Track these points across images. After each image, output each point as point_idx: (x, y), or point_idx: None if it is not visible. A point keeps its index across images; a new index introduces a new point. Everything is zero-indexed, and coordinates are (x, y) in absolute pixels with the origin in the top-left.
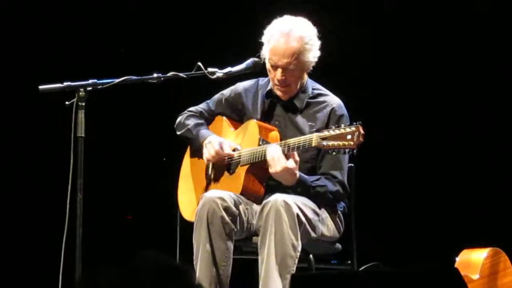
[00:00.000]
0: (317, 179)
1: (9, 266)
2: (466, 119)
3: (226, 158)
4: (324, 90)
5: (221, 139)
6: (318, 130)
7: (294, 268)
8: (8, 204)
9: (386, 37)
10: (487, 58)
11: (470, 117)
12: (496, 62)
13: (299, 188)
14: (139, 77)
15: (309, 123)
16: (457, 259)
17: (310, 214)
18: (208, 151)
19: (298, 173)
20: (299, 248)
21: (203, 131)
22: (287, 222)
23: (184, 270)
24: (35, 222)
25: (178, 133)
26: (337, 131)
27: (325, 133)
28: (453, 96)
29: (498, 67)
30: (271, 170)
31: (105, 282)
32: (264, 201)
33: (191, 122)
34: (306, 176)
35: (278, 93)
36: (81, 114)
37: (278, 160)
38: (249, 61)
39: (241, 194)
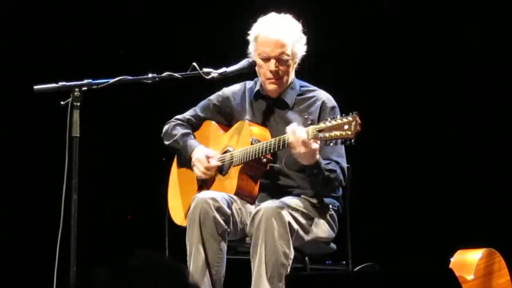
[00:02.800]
0: (329, 163)
1: (4, 266)
2: (461, 119)
3: (215, 168)
4: (311, 86)
5: (208, 152)
6: (313, 123)
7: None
8: (3, 204)
9: (385, 36)
10: (485, 58)
11: (465, 117)
12: (494, 62)
13: (315, 169)
14: (134, 77)
15: (302, 119)
16: (452, 259)
17: (303, 219)
18: (198, 169)
19: (318, 155)
20: (291, 256)
21: (190, 142)
22: (278, 231)
23: (180, 269)
24: (30, 222)
25: (166, 143)
26: (333, 122)
27: (321, 125)
28: (448, 97)
29: (496, 66)
30: (294, 151)
31: (102, 282)
32: (256, 209)
33: (178, 132)
34: (321, 159)
35: (270, 87)
36: (76, 114)
37: (302, 143)
38: (244, 61)
39: (235, 194)
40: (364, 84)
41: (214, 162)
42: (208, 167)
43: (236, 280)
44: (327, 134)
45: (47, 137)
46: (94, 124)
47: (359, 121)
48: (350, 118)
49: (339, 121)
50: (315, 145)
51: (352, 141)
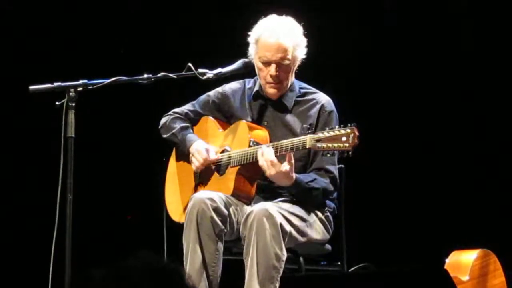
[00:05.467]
0: (312, 180)
1: None
2: (455, 121)
3: (214, 163)
4: (312, 89)
5: (207, 145)
6: (312, 132)
7: (279, 278)
8: None
9: (384, 38)
10: (484, 58)
11: (458, 119)
12: (492, 62)
13: (294, 189)
14: (129, 78)
15: (300, 122)
16: (447, 260)
17: (297, 221)
18: (196, 160)
19: (294, 175)
20: (284, 258)
21: (189, 136)
22: (270, 233)
23: (176, 269)
24: (25, 222)
25: (164, 136)
26: (331, 133)
27: (319, 135)
28: (443, 98)
29: (494, 67)
30: (266, 173)
31: (98, 283)
32: (248, 211)
33: (177, 125)
34: (302, 177)
35: (270, 91)
36: (71, 115)
37: (271, 165)
38: (240, 62)
39: (232, 195)
40: (360, 85)
41: (213, 156)
42: (206, 159)
43: (232, 280)
44: (324, 145)
45: (42, 138)
46: (90, 124)
47: (357, 133)
48: (348, 130)
49: (337, 132)
50: (286, 167)
51: (350, 153)
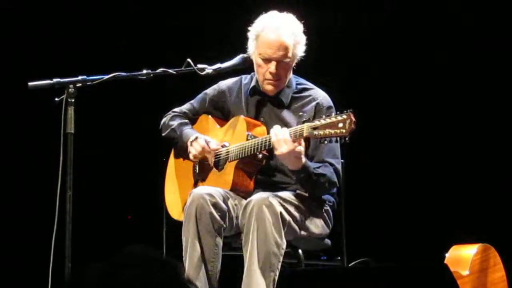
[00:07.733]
0: (319, 167)
1: None
2: (454, 116)
3: (213, 155)
4: (309, 84)
5: (207, 137)
6: (308, 120)
7: (279, 266)
8: None
9: (384, 35)
10: (484, 58)
11: (458, 114)
12: (492, 62)
13: (302, 173)
14: (128, 74)
15: (296, 118)
16: (447, 255)
17: (296, 212)
18: (194, 148)
19: (304, 158)
20: (284, 246)
21: (187, 130)
22: (270, 220)
23: (171, 263)
24: (25, 219)
25: (163, 134)
26: (328, 120)
27: (316, 122)
28: (442, 94)
29: (494, 66)
30: (277, 152)
31: (92, 278)
32: (247, 200)
33: (175, 122)
34: (310, 162)
35: (269, 87)
36: (71, 111)
37: (284, 142)
38: (239, 57)
39: (231, 190)
40: (361, 80)
41: (214, 146)
42: (204, 148)
43: (231, 275)
44: (321, 132)
45: (42, 134)
46: (90, 120)
47: (353, 119)
48: (344, 116)
49: (333, 119)
50: (299, 148)
51: (346, 139)
